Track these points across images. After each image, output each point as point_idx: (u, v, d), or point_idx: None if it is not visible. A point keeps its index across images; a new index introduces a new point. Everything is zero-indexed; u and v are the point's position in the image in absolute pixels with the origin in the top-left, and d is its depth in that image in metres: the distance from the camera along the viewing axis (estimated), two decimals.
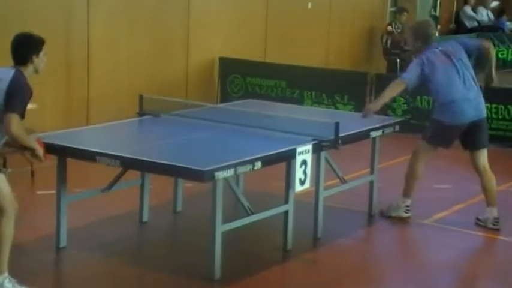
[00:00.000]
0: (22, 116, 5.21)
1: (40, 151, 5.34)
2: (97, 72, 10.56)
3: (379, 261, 6.27)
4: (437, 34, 17.97)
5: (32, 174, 8.14)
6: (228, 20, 12.61)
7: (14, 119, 5.12)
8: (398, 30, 14.48)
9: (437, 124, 6.93)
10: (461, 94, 6.79)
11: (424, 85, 6.97)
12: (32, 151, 5.38)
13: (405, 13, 14.81)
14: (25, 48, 5.31)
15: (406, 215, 7.12)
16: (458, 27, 19.11)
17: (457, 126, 6.84)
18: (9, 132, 5.15)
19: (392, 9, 16.17)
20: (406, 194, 7.15)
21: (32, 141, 5.41)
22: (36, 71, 5.35)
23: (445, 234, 6.90)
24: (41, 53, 5.35)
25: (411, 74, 6.84)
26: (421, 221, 7.09)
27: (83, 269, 5.85)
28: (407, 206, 7.15)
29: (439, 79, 6.81)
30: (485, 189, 7.01)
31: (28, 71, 5.31)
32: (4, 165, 7.97)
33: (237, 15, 12.75)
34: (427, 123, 7.31)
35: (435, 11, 17.97)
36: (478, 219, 7.04)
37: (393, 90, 6.87)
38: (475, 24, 19.01)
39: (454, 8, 19.53)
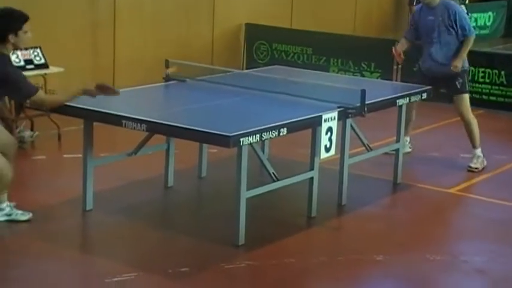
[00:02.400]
0: (36, 89, 5.20)
1: (93, 90, 5.39)
2: (123, 37, 10.56)
3: (403, 229, 6.26)
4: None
5: (59, 138, 8.20)
6: None
7: (39, 99, 5.13)
8: None
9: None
10: None
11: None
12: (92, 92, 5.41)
13: None
14: (1, 25, 5.03)
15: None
16: None
17: None
18: (50, 109, 5.22)
19: None
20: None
21: (74, 91, 5.44)
22: (16, 49, 5.18)
23: (470, 203, 6.88)
24: (20, 32, 5.07)
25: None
26: (447, 190, 7.06)
27: (108, 232, 5.90)
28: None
29: None
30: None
31: (8, 49, 5.10)
32: (32, 129, 8.09)
33: None
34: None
35: None
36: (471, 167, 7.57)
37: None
38: None
39: None
